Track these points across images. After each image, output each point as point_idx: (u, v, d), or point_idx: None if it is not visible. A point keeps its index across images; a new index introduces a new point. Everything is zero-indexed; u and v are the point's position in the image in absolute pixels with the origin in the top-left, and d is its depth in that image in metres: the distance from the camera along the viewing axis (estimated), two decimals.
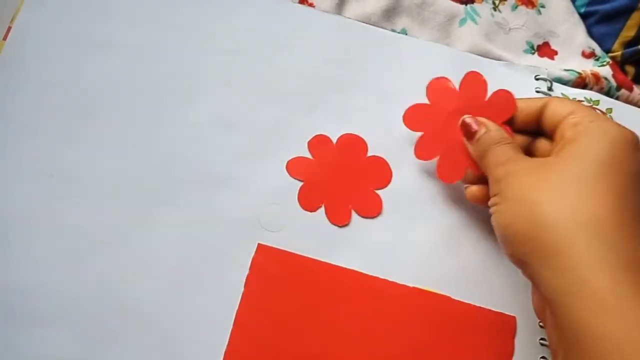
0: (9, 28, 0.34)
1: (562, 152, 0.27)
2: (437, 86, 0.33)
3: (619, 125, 0.27)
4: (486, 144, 0.30)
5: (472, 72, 0.33)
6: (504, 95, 0.31)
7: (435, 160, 0.33)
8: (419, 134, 0.33)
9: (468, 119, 0.31)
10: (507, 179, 0.27)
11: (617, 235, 0.24)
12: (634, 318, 0.22)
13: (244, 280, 0.31)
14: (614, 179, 0.25)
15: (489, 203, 0.28)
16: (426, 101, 0.33)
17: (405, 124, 0.33)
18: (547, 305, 0.26)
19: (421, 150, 0.33)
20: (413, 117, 0.33)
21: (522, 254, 0.26)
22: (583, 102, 0.37)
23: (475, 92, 0.32)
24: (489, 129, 0.30)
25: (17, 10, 0.35)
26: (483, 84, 0.32)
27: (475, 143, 0.30)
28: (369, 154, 0.34)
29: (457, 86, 0.33)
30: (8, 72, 0.34)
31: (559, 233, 0.24)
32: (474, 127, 0.30)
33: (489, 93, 0.32)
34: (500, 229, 0.27)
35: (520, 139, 0.31)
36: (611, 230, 0.24)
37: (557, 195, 0.25)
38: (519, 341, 0.31)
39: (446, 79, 0.33)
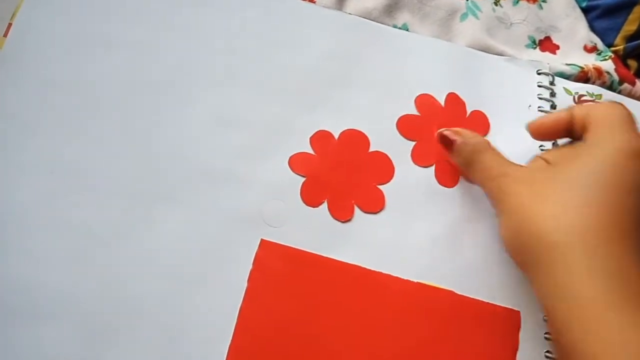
0: (9, 25, 0.34)
1: (561, 162, 0.28)
2: (423, 101, 0.35)
3: (628, 133, 0.26)
4: (468, 152, 0.31)
5: (452, 93, 0.35)
6: (480, 116, 0.35)
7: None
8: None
9: (445, 131, 0.32)
10: (499, 195, 0.28)
11: (600, 244, 0.24)
12: (614, 324, 0.23)
13: (247, 276, 0.31)
14: (605, 190, 0.25)
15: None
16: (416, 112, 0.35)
17: (400, 133, 0.34)
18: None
19: (417, 158, 0.34)
20: (405, 126, 0.35)
21: (520, 262, 0.28)
22: (585, 97, 0.36)
23: (457, 109, 0.35)
24: (465, 136, 0.31)
25: (18, 7, 0.35)
26: (462, 104, 0.35)
27: (455, 153, 0.31)
28: (371, 149, 0.34)
29: (442, 102, 0.35)
30: (8, 69, 0.34)
31: (543, 242, 0.25)
32: (452, 137, 0.31)
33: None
34: (502, 241, 0.29)
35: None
36: (592, 239, 0.24)
37: (544, 206, 0.26)
38: (524, 335, 0.31)
39: (430, 95, 0.35)
